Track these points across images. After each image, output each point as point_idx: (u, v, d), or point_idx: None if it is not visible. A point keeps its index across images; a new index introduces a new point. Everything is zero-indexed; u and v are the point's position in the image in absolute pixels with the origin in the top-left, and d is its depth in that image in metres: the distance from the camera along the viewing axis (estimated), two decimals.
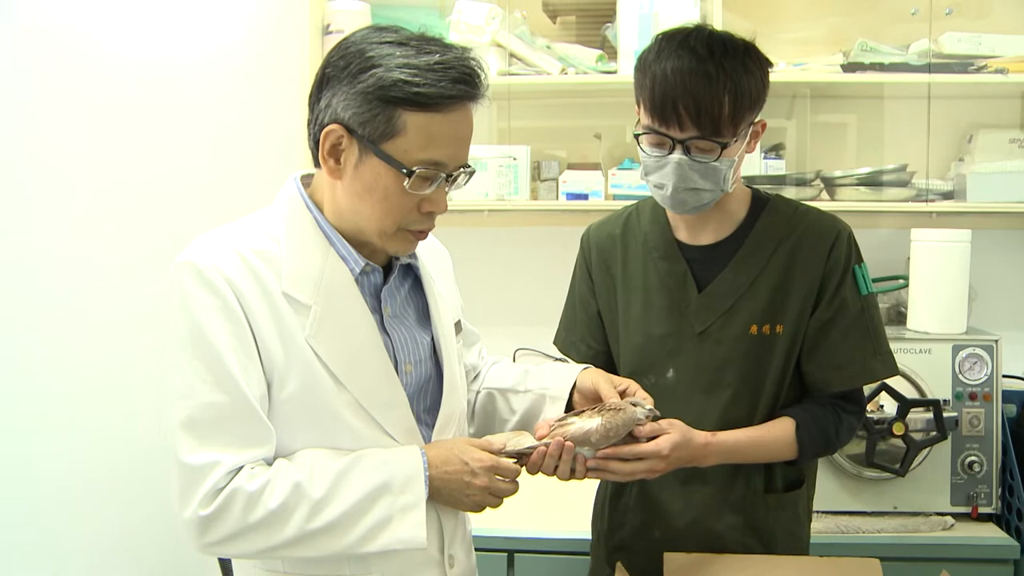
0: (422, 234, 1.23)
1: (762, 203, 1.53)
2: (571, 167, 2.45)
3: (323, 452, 1.18)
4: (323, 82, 1.16)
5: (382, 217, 1.17)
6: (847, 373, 1.48)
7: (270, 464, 1.16)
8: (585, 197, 2.39)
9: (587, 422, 1.29)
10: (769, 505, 1.51)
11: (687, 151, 1.38)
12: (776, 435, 1.46)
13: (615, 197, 2.37)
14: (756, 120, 1.43)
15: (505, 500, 1.25)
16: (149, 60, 1.93)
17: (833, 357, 1.48)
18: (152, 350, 1.85)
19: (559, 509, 1.96)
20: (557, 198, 2.41)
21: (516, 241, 2.56)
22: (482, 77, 1.16)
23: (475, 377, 1.52)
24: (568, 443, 1.27)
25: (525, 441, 1.28)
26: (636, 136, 1.45)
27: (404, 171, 1.13)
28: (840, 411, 1.50)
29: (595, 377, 1.40)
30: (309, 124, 1.20)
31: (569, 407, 1.41)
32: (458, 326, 1.40)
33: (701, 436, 1.40)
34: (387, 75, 1.10)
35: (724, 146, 1.38)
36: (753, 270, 1.49)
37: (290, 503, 1.12)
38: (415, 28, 1.18)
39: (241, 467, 1.13)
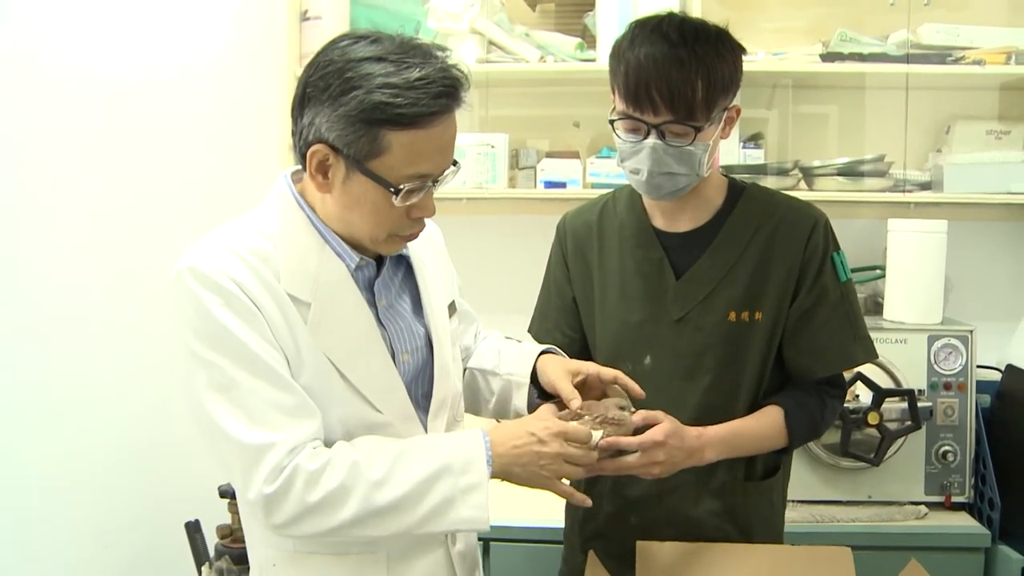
0: (412, 236, 1.25)
1: (738, 191, 1.53)
2: (550, 155, 2.44)
3: (382, 438, 1.20)
4: (304, 100, 1.15)
5: (372, 227, 1.19)
6: (829, 359, 1.49)
7: (322, 440, 1.18)
8: (563, 185, 2.38)
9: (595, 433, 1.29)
10: (748, 492, 1.52)
11: (661, 136, 1.38)
12: (767, 424, 1.46)
13: (594, 185, 2.35)
14: (730, 105, 1.44)
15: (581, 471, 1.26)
16: (123, 51, 1.91)
17: (815, 344, 1.48)
18: (137, 352, 1.84)
19: (534, 498, 1.94)
20: (535, 186, 2.40)
21: (494, 229, 2.54)
22: (465, 85, 1.16)
23: (466, 357, 1.54)
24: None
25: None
26: (611, 122, 1.44)
27: (391, 189, 1.14)
28: (824, 395, 1.51)
29: (552, 376, 1.39)
30: (294, 135, 1.20)
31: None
32: (452, 307, 1.41)
33: (692, 430, 1.39)
34: (368, 97, 1.09)
35: (698, 130, 1.38)
36: (730, 257, 1.48)
37: (348, 483, 1.13)
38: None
39: (300, 445, 1.14)
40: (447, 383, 1.33)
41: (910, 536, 1.98)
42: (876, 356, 1.54)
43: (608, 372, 1.38)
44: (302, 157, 1.18)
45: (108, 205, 1.85)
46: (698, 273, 1.49)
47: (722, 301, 1.48)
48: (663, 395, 1.45)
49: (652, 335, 1.51)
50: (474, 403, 1.52)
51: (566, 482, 1.27)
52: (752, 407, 1.49)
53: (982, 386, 2.15)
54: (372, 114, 1.10)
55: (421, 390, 1.31)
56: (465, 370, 1.51)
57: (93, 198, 1.82)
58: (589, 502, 1.27)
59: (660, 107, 1.36)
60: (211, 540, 1.72)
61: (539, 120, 2.57)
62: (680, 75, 1.34)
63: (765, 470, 1.54)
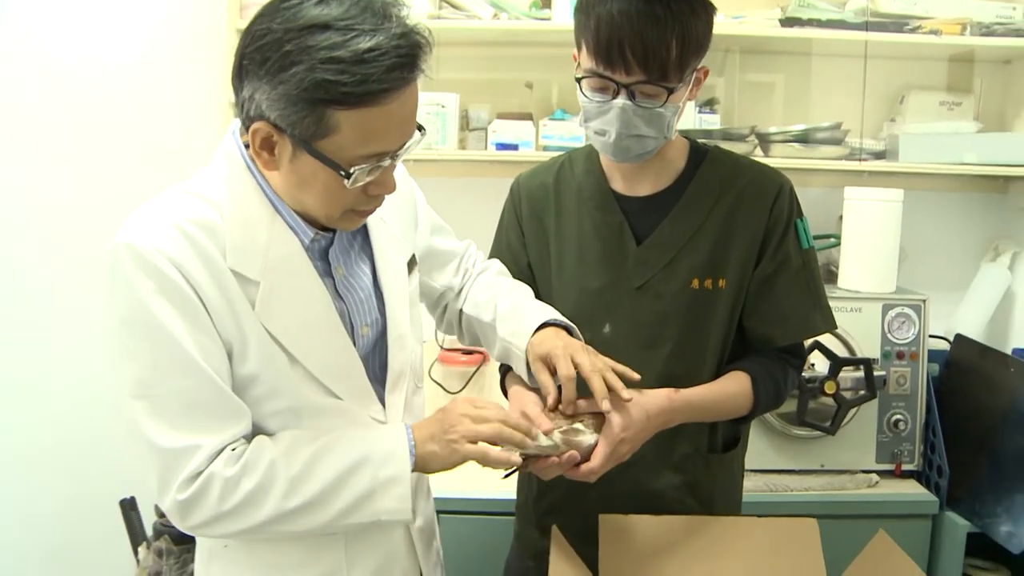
0: (370, 212, 1.16)
1: (701, 154, 1.48)
2: (501, 116, 2.36)
3: (303, 432, 1.14)
4: (241, 72, 1.04)
5: (325, 206, 1.10)
6: (789, 327, 1.46)
7: (250, 440, 1.11)
8: (515, 147, 2.31)
9: (593, 437, 1.26)
10: (710, 465, 1.49)
11: (632, 96, 1.31)
12: (735, 390, 1.42)
13: (546, 148, 2.30)
14: (699, 66, 1.38)
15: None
16: (60, 11, 1.79)
17: (776, 312, 1.45)
18: (71, 326, 1.75)
19: (484, 469, 1.91)
20: (486, 148, 2.32)
21: (443, 192, 2.42)
22: (425, 51, 1.04)
23: (458, 293, 1.48)
24: (576, 454, 1.24)
25: (542, 440, 1.23)
26: (578, 80, 1.37)
27: (342, 173, 1.04)
28: (786, 364, 1.48)
29: (532, 365, 1.31)
30: (236, 106, 1.09)
31: None
32: (412, 262, 1.33)
33: (660, 400, 1.34)
34: (310, 75, 0.98)
35: (670, 91, 1.31)
36: (693, 222, 1.44)
37: (265, 483, 1.08)
38: None
39: (222, 449, 1.08)
40: (403, 353, 1.27)
41: (861, 504, 2.00)
42: (835, 326, 1.52)
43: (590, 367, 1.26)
44: (247, 131, 1.07)
45: (46, 178, 1.74)
46: (660, 239, 1.44)
47: (685, 268, 1.43)
48: (623, 364, 1.40)
49: (612, 302, 1.46)
50: (476, 343, 1.47)
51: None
52: (716, 376, 1.46)
53: (931, 355, 2.16)
54: (315, 93, 0.98)
55: (378, 361, 1.25)
56: (462, 311, 1.46)
57: (30, 171, 1.71)
58: (517, 459, 1.19)
59: (633, 66, 1.28)
60: (148, 518, 1.63)
61: (490, 83, 2.48)
62: (655, 33, 1.26)
63: (725, 441, 1.52)
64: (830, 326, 1.50)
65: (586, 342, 1.36)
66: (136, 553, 1.61)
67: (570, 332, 1.35)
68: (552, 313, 1.37)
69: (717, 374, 1.46)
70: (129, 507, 1.60)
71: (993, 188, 2.45)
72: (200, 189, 1.12)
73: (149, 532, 1.62)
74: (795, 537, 1.36)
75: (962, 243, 2.47)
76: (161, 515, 1.59)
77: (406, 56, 1.01)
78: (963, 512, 2.00)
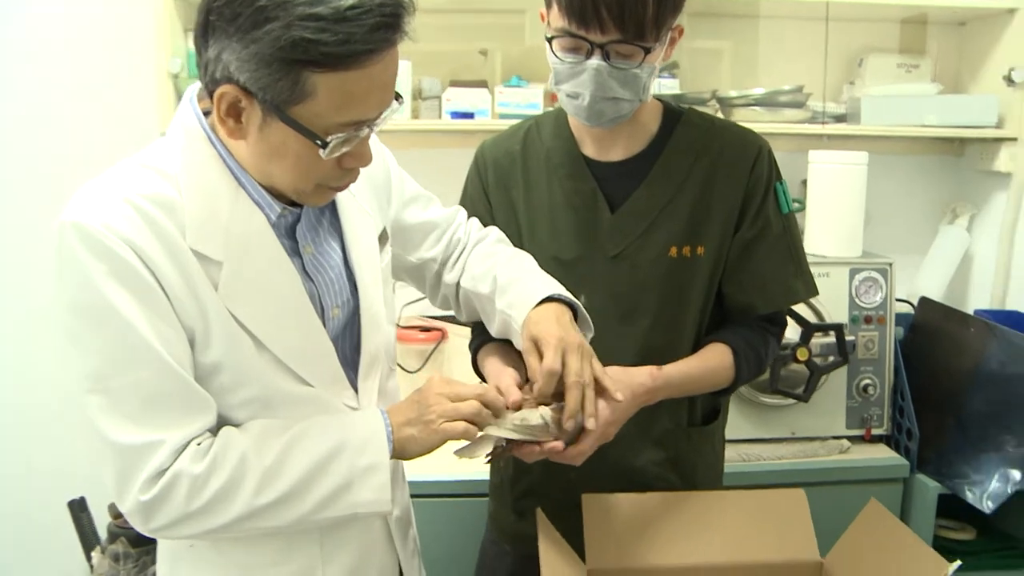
0: (344, 187, 1.09)
1: (675, 116, 1.43)
2: (454, 84, 2.28)
3: (273, 422, 1.07)
4: (207, 29, 0.94)
5: (296, 179, 1.03)
6: (770, 295, 1.42)
7: (215, 433, 1.04)
8: (471, 116, 2.23)
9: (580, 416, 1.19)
10: (691, 438, 1.45)
11: (606, 56, 1.24)
12: (715, 364, 1.38)
13: (502, 116, 2.22)
14: (674, 25, 1.32)
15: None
16: None
17: (756, 279, 1.41)
18: (13, 313, 1.63)
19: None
20: (440, 117, 2.24)
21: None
22: (409, 11, 0.96)
23: (452, 265, 1.40)
24: (560, 444, 1.17)
25: (531, 418, 1.16)
26: (548, 40, 1.30)
27: (318, 142, 0.96)
28: (766, 332, 1.44)
29: (524, 345, 1.23)
30: (199, 67, 0.99)
31: None
32: (383, 236, 1.25)
33: (643, 378, 1.28)
34: (287, 33, 0.90)
35: (647, 51, 1.25)
36: (670, 188, 1.38)
37: (236, 478, 1.01)
38: None
39: (187, 444, 1.01)
40: (377, 335, 1.20)
41: (834, 471, 2.00)
42: (817, 292, 1.48)
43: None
44: (210, 96, 0.98)
45: None
46: (635, 206, 1.39)
47: (662, 235, 1.38)
48: (601, 339, 1.33)
49: (586, 273, 1.40)
50: (474, 317, 1.40)
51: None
52: (695, 347, 1.41)
53: (896, 318, 2.16)
54: (292, 53, 0.90)
55: (350, 343, 1.17)
56: (459, 284, 1.38)
57: None
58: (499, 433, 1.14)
59: (608, 25, 1.21)
60: (100, 520, 1.53)
61: (443, 52, 2.39)
62: None
63: (705, 414, 1.48)
64: (812, 292, 1.47)
65: None
66: (89, 559, 1.51)
67: (574, 310, 1.28)
68: (556, 287, 1.29)
69: (697, 345, 1.42)
70: (79, 508, 1.50)
71: (950, 150, 2.46)
72: (155, 162, 1.03)
73: (102, 534, 1.52)
74: (784, 508, 1.33)
75: (920, 206, 2.47)
76: (116, 516, 1.49)
77: (390, 16, 0.93)
78: (931, 474, 2.00)
